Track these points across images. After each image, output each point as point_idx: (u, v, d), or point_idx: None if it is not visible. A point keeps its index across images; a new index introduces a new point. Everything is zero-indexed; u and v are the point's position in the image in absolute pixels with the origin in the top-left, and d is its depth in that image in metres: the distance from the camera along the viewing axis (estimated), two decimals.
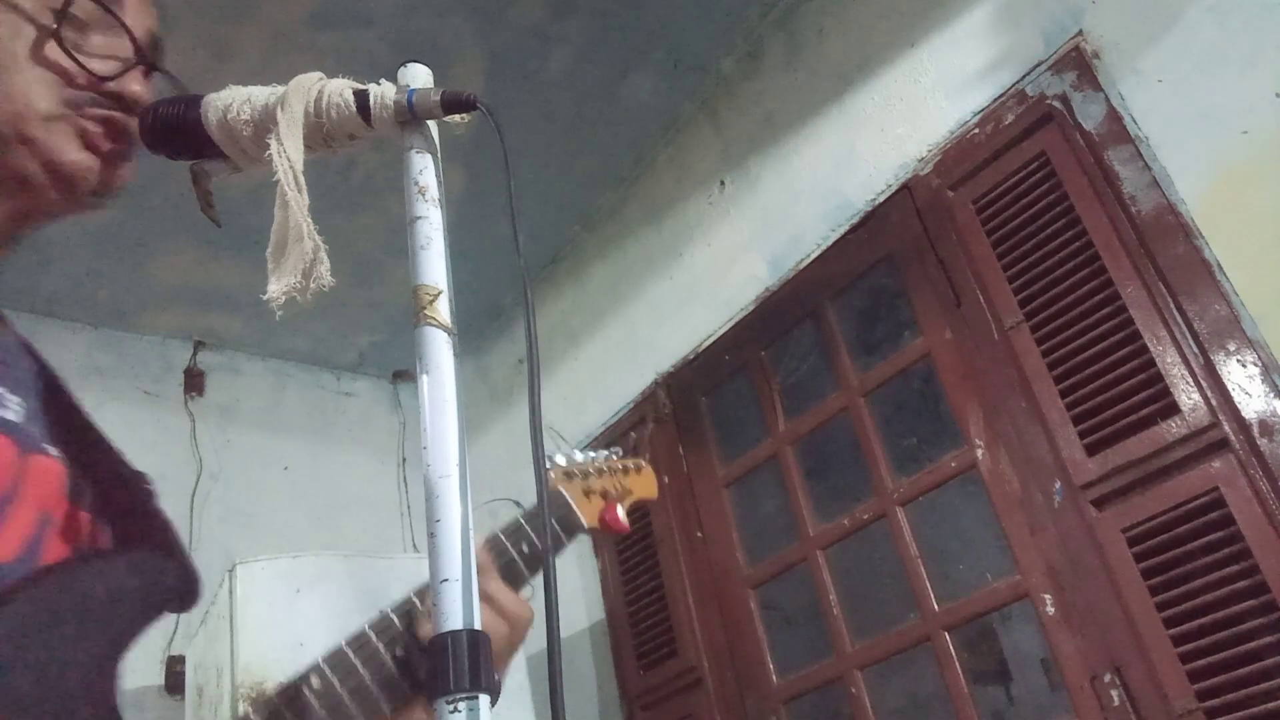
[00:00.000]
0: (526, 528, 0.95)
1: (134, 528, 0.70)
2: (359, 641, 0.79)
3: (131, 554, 0.68)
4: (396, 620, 0.82)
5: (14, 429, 0.63)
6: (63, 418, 0.70)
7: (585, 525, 1.07)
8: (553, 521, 1.01)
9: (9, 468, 0.61)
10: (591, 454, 1.17)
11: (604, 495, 1.11)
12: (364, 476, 3.31)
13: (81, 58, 0.69)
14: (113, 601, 0.61)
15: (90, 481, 0.69)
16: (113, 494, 0.71)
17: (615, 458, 1.19)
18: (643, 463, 1.23)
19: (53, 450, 0.66)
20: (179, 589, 0.68)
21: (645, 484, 1.21)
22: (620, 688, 2.51)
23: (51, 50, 0.69)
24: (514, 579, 0.91)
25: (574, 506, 1.06)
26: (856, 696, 1.99)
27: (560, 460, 1.13)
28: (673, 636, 2.38)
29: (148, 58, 0.73)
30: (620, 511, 1.10)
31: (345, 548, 2.68)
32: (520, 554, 0.92)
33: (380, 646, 0.79)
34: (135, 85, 0.71)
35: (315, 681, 0.75)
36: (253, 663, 2.17)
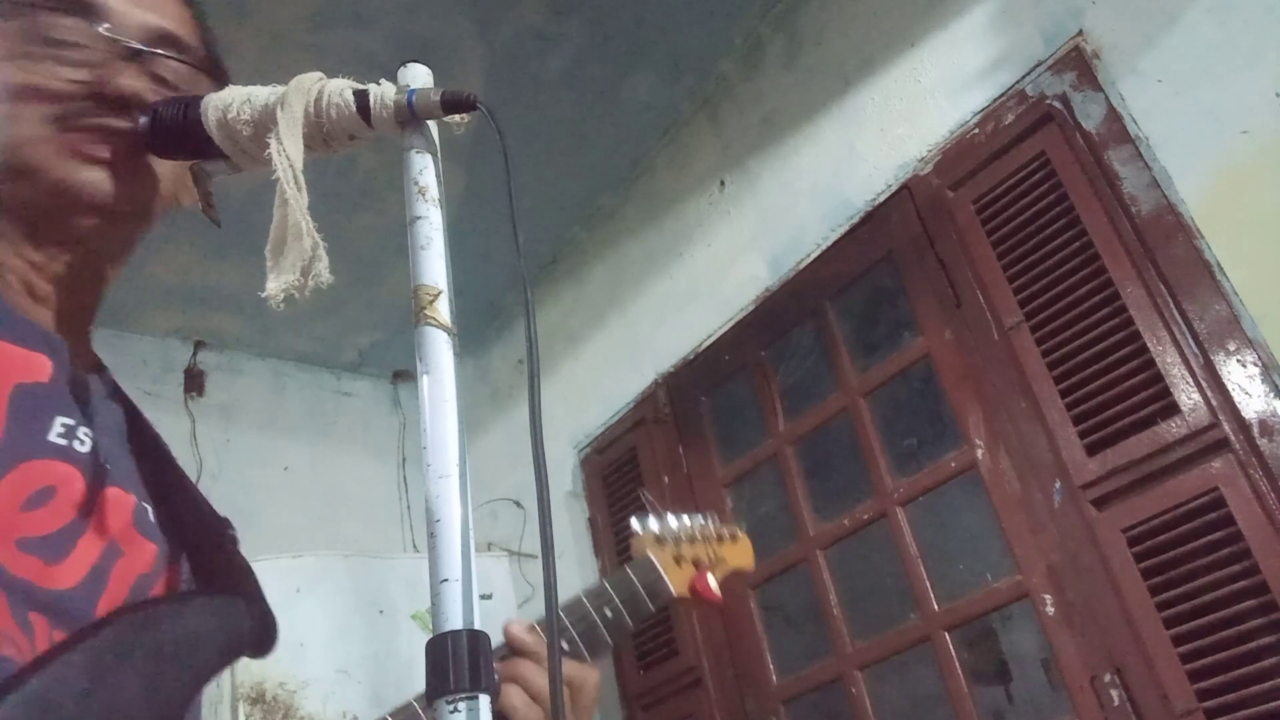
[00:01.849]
0: (610, 591, 0.91)
1: (214, 571, 0.70)
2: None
3: (210, 597, 0.68)
4: None
5: (83, 461, 0.62)
6: (146, 461, 0.70)
7: (674, 593, 1.02)
8: (639, 588, 0.96)
9: (77, 497, 0.61)
10: (685, 520, 1.12)
11: (695, 563, 1.08)
12: (364, 476, 3.31)
13: (52, 67, 0.66)
14: (189, 643, 0.61)
15: (170, 521, 0.69)
16: (193, 536, 0.71)
17: (710, 525, 1.15)
18: (739, 531, 1.18)
19: (127, 487, 0.66)
20: (256, 634, 0.68)
21: (741, 553, 1.16)
22: (620, 688, 2.51)
23: (18, 73, 0.66)
24: (594, 645, 0.87)
25: (662, 573, 1.02)
26: (856, 696, 1.99)
27: (652, 525, 1.09)
28: (673, 636, 2.38)
29: (131, 49, 0.69)
30: (712, 581, 1.06)
31: (345, 548, 2.68)
32: (603, 618, 0.88)
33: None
34: (125, 80, 0.68)
35: None
36: (253, 663, 2.17)
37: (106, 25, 0.69)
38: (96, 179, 0.67)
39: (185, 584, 0.70)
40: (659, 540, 1.07)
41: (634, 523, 1.08)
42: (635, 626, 0.94)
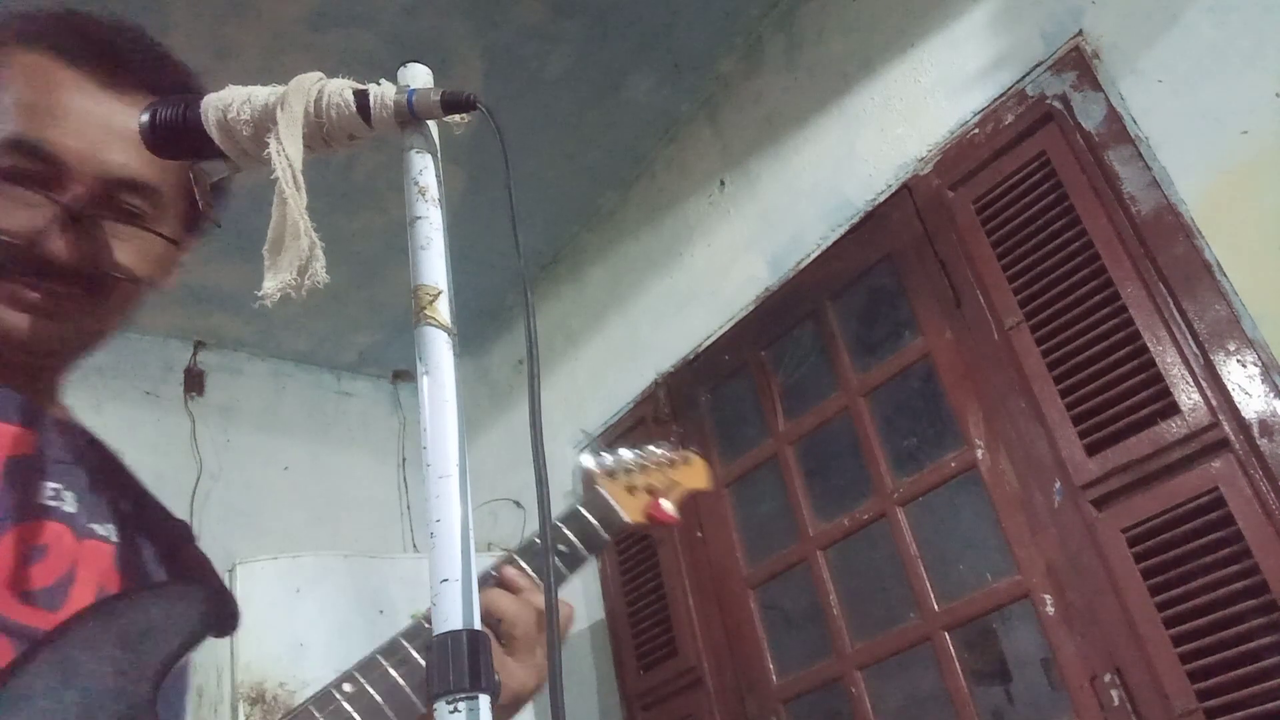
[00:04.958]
0: (563, 529, 0.97)
1: (175, 565, 0.79)
2: (391, 648, 0.81)
3: (166, 586, 0.76)
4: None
5: (70, 518, 0.71)
6: (109, 489, 0.77)
7: (627, 520, 1.06)
8: (593, 521, 1.01)
9: (68, 552, 0.69)
10: (636, 451, 1.15)
11: (649, 490, 1.11)
12: (364, 476, 3.31)
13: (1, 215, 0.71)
14: (153, 628, 0.68)
15: (137, 535, 0.77)
16: (157, 539, 0.79)
17: (662, 451, 1.18)
18: (690, 454, 1.20)
19: (101, 530, 0.74)
20: (218, 613, 0.74)
21: (694, 475, 1.19)
22: (620, 688, 2.51)
23: None
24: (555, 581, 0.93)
25: (614, 504, 1.05)
26: (856, 696, 1.99)
27: (605, 460, 1.12)
28: (673, 636, 2.38)
29: (72, 209, 0.72)
30: (666, 505, 1.09)
31: (345, 548, 2.68)
32: (559, 554, 0.95)
33: (412, 651, 0.81)
34: (54, 246, 0.71)
35: (347, 687, 0.77)
36: (253, 663, 2.17)
37: (54, 191, 0.72)
38: (17, 323, 0.72)
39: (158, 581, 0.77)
40: (610, 474, 1.10)
41: (584, 459, 1.11)
42: (592, 558, 1.00)
